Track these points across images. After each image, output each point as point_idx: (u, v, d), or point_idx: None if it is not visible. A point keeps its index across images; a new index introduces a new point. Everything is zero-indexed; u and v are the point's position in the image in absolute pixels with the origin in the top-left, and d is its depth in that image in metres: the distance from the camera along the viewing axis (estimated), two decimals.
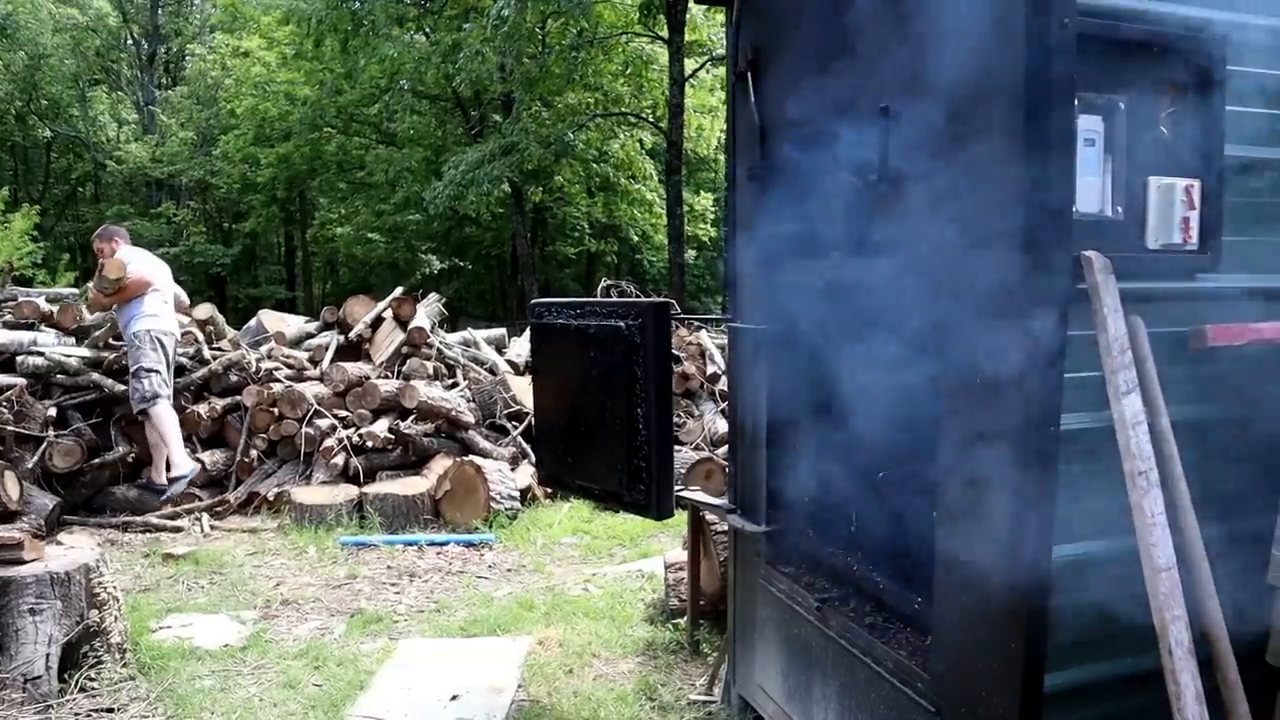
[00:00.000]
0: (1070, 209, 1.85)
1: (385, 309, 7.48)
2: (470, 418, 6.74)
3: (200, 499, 6.23)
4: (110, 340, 6.44)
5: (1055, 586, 1.89)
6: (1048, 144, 1.78)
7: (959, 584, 2.05)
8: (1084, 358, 1.88)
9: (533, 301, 3.45)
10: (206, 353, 6.81)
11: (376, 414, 6.63)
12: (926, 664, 2.22)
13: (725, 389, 6.90)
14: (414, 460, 6.58)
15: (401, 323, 7.43)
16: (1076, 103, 1.85)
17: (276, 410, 6.54)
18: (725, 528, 3.44)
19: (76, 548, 3.86)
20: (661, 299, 3.03)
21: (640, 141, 22.45)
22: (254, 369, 6.74)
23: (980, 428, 1.96)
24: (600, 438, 3.06)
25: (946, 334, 2.04)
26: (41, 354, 6.18)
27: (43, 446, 5.81)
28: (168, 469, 5.98)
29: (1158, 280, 2.03)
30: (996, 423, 1.90)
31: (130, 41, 28.45)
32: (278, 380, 6.70)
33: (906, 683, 2.26)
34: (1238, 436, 2.16)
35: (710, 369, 8.10)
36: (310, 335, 7.80)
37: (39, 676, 3.30)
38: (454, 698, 3.51)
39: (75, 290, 8.69)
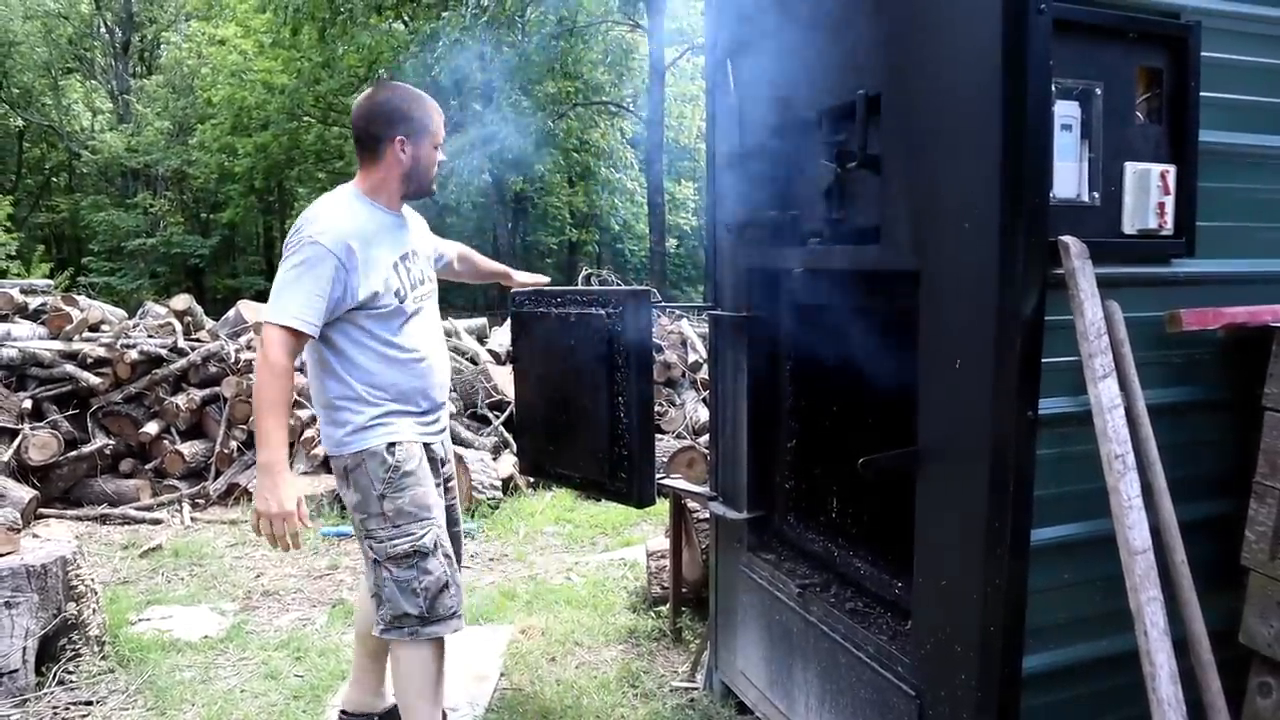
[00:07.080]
0: (1047, 194, 1.86)
1: None
2: (452, 408, 6.71)
3: (180, 490, 6.18)
4: (83, 334, 6.36)
5: (1033, 569, 1.91)
6: (1025, 129, 1.79)
7: (938, 568, 2.07)
8: (1061, 342, 1.89)
9: (513, 290, 3.43)
10: (184, 343, 6.74)
11: None
12: (907, 648, 2.24)
13: (706, 377, 6.90)
14: None
15: None
16: (1054, 88, 1.86)
17: None
18: (707, 515, 3.45)
19: (53, 540, 3.82)
20: (642, 287, 3.01)
21: (621, 130, 22.39)
22: (233, 360, 6.68)
23: (958, 413, 1.97)
24: (582, 426, 3.06)
25: (924, 319, 2.05)
26: (15, 346, 6.10)
27: (18, 439, 5.74)
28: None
29: (1134, 265, 2.05)
30: (974, 407, 1.92)
31: (103, 29, 27.97)
32: None
33: (887, 667, 2.28)
34: (1212, 419, 2.18)
35: (692, 357, 8.10)
36: None
37: (15, 670, 3.27)
38: None
39: (50, 282, 8.56)
